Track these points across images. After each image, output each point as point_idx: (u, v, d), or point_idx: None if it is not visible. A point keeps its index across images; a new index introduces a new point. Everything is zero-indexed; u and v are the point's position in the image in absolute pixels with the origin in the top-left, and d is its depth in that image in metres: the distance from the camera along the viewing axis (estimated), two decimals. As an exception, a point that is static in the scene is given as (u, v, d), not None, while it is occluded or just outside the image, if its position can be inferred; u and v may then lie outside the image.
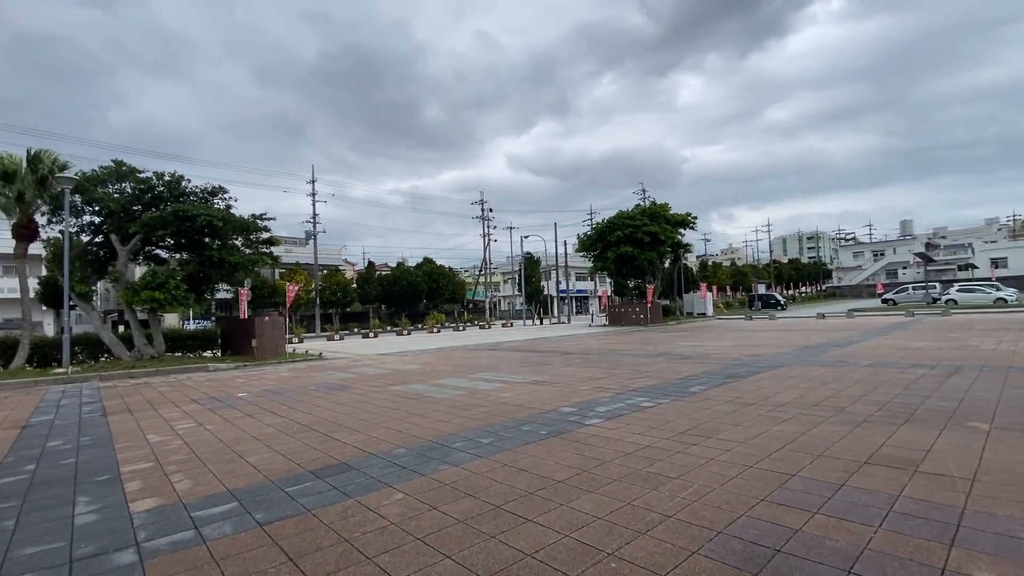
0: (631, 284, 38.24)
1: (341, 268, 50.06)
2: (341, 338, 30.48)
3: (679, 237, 33.98)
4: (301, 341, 28.39)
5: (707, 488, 3.62)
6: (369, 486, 3.93)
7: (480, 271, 54.91)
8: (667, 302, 39.52)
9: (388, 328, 41.69)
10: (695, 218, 34.72)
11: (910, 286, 44.97)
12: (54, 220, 15.58)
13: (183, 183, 15.98)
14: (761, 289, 63.37)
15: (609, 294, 40.23)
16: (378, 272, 48.34)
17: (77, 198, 15.26)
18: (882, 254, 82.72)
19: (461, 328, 36.53)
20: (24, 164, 14.10)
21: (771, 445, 4.60)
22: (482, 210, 51.19)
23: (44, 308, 31.08)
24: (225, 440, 5.66)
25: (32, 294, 21.17)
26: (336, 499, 3.69)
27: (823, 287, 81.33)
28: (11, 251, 14.93)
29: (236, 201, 17.03)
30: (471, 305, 57.15)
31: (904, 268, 73.73)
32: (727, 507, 3.27)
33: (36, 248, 19.85)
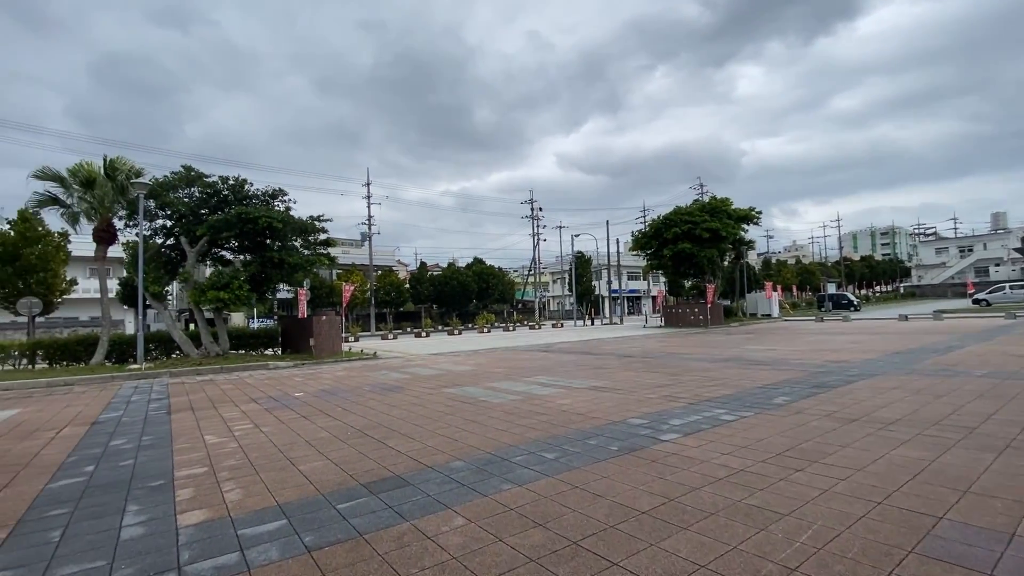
0: (688, 284, 36.66)
1: (394, 269, 51.15)
2: (394, 337, 30.94)
3: (741, 233, 32.08)
4: (357, 340, 29.03)
5: (831, 530, 2.95)
6: (426, 506, 3.53)
7: (529, 271, 54.51)
8: (728, 302, 37.54)
9: (439, 328, 42.10)
10: (759, 213, 32.69)
11: (1007, 285, 40.45)
12: (130, 224, 16.50)
13: (246, 186, 16.52)
14: (831, 288, 59.25)
15: (665, 294, 38.68)
16: (429, 272, 48.99)
17: (151, 203, 16.09)
18: (970, 250, 75.29)
19: (511, 328, 36.26)
20: (102, 172, 14.98)
21: (896, 475, 3.83)
22: (531, 209, 50.78)
23: (125, 308, 33.51)
24: (279, 444, 5.47)
25: (112, 294, 22.68)
26: (391, 521, 3.31)
27: (900, 286, 75.08)
28: (93, 254, 15.93)
29: (295, 203, 17.48)
30: (520, 305, 56.87)
31: (997, 265, 66.70)
32: (867, 560, 2.60)
33: (117, 251, 21.28)
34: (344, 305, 16.14)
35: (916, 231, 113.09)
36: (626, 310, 48.00)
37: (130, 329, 37.91)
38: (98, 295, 15.63)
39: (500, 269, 52.24)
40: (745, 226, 32.46)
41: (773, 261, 62.64)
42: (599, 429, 5.59)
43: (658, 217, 33.01)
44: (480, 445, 5.11)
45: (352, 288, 15.88)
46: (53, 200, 15.20)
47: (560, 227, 54.74)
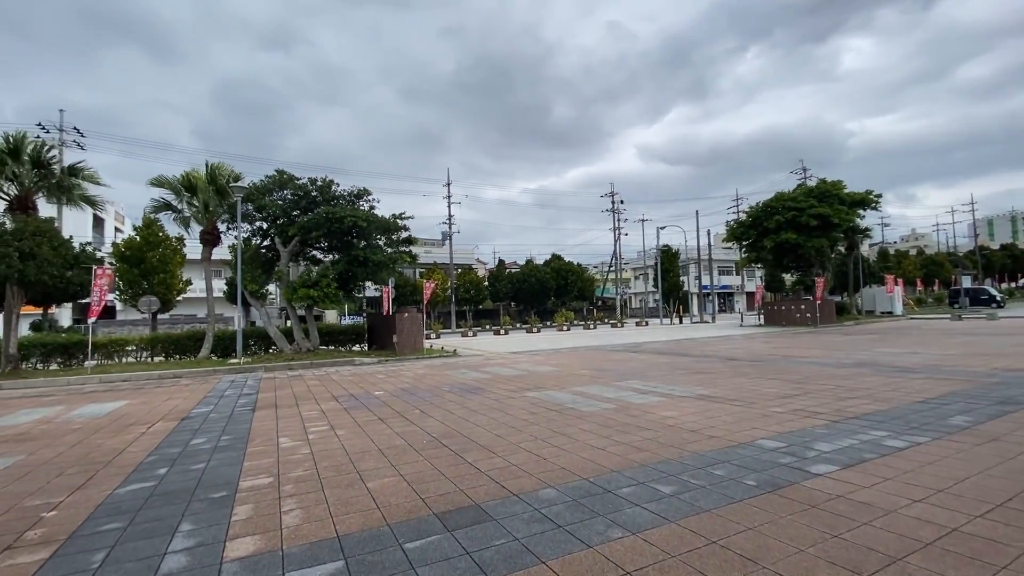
0: (792, 277, 33.05)
1: (473, 267, 51.68)
2: (474, 334, 30.92)
3: (856, 220, 28.27)
4: (438, 336, 29.35)
5: None
6: (513, 557, 2.74)
7: (610, 267, 52.60)
8: (838, 298, 33.44)
9: (518, 325, 41.75)
10: (878, 196, 28.66)
11: None
12: (232, 227, 17.54)
13: (333, 187, 16.93)
14: (966, 282, 51.23)
15: (764, 289, 35.30)
16: (507, 270, 48.87)
17: (249, 206, 16.98)
18: None
19: (591, 326, 34.96)
20: (204, 177, 15.99)
21: None
22: (612, 202, 48.87)
23: (233, 305, 36.61)
24: (351, 452, 4.99)
25: (219, 293, 24.51)
26: None
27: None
28: (200, 256, 17.13)
29: (378, 203, 17.66)
30: (600, 302, 55.12)
31: None
32: None
33: (224, 253, 23.00)
34: (425, 302, 15.92)
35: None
36: (717, 308, 44.61)
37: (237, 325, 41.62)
38: (208, 294, 16.78)
39: (579, 265, 50.85)
40: (861, 212, 28.59)
41: (891, 252, 55.33)
42: (722, 453, 4.50)
43: (757, 204, 30.04)
44: (574, 467, 4.24)
45: (433, 286, 15.67)
46: (167, 206, 16.51)
47: (643, 220, 52.08)
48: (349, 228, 15.87)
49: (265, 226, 17.31)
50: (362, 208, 16.85)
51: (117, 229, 43.20)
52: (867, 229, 31.82)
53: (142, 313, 20.34)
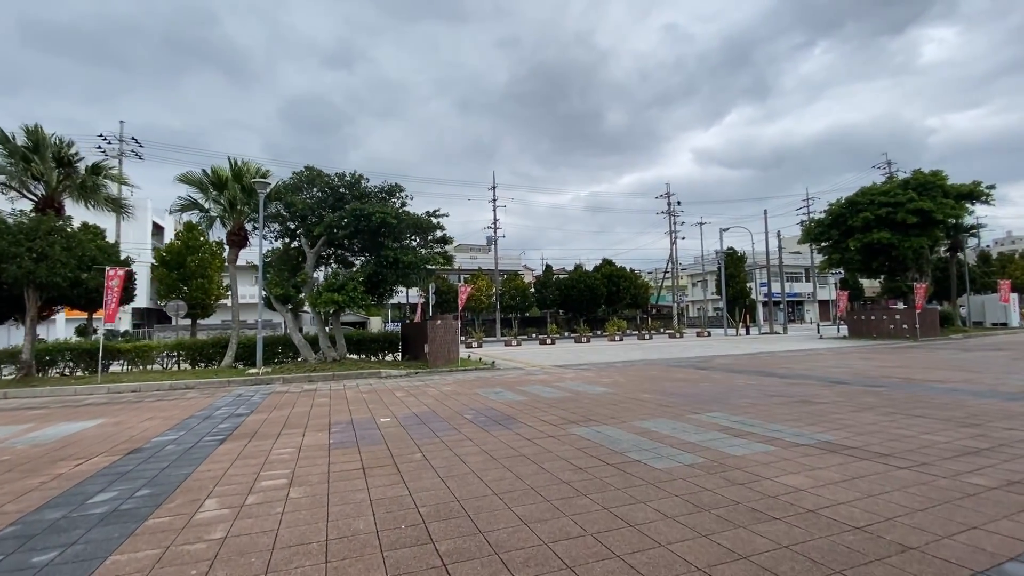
0: (873, 283, 28.88)
1: (520, 273, 49.85)
2: (518, 343, 28.98)
3: (965, 216, 24.12)
4: (480, 345, 27.65)
5: None
6: None
7: (665, 272, 49.27)
8: (937, 306, 28.93)
9: (566, 334, 39.45)
10: (991, 187, 24.39)
11: None
12: (256, 228, 16.58)
13: (362, 182, 15.59)
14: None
15: (848, 297, 31.24)
16: (555, 276, 46.67)
17: (278, 205, 15.96)
18: None
19: (646, 337, 32.16)
20: (229, 174, 15.05)
21: None
22: (668, 203, 45.70)
23: (274, 311, 36.49)
24: (281, 543, 3.14)
25: (253, 299, 23.83)
26: None
27: None
28: (226, 257, 16.24)
29: (411, 200, 16.16)
30: (654, 311, 51.79)
31: None
32: None
33: (254, 255, 22.31)
34: (461, 308, 14.17)
35: None
36: (787, 318, 40.35)
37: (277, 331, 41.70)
38: (252, 300, 15.87)
39: (631, 271, 47.88)
40: (970, 204, 24.42)
41: (994, 255, 48.63)
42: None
43: (839, 201, 26.45)
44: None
45: (469, 289, 13.94)
46: (193, 204, 15.73)
47: (701, 223, 48.44)
48: (378, 226, 14.43)
49: (293, 226, 16.22)
50: (393, 205, 15.38)
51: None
52: (974, 227, 27.32)
53: (180, 317, 19.88)
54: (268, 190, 14.74)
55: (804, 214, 46.84)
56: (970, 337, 23.08)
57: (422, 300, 17.42)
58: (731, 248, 36.86)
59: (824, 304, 57.56)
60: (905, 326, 23.51)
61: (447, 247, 16.35)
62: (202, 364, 15.30)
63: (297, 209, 15.24)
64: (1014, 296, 27.75)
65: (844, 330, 31.07)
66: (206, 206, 15.78)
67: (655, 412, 7.06)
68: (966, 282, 29.67)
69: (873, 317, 25.30)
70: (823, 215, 26.75)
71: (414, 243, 16.03)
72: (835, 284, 59.10)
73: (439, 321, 14.83)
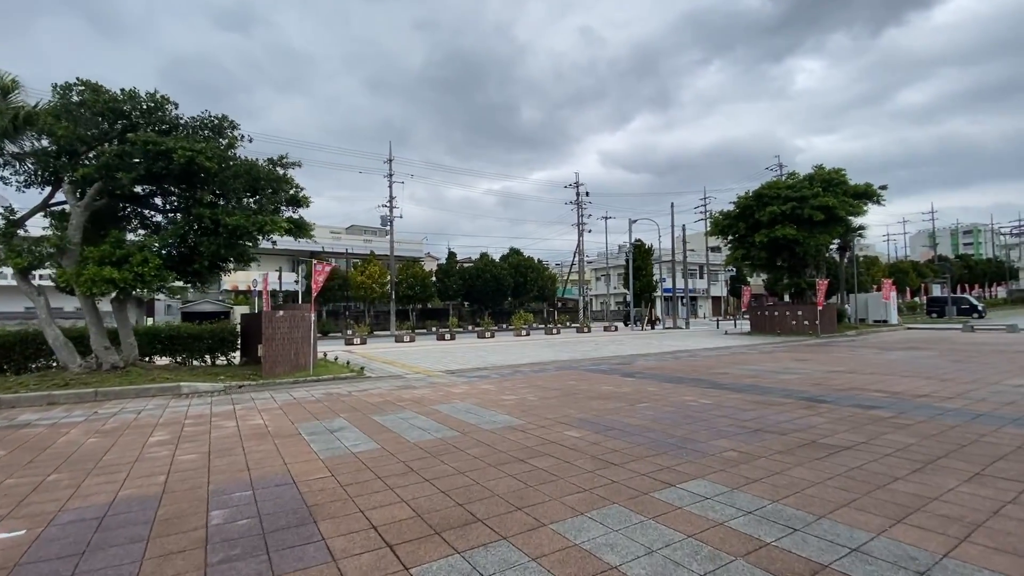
0: (760, 279, 29.23)
1: (421, 260, 45.41)
2: (412, 339, 25.01)
3: (863, 214, 24.45)
4: (363, 342, 23.25)
5: None
6: None
7: (572, 264, 47.82)
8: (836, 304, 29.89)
9: (469, 328, 36.10)
10: (884, 188, 25.02)
11: None
12: (9, 170, 11.02)
13: (167, 107, 10.73)
14: (936, 290, 50.01)
15: (754, 292, 31.29)
16: (459, 265, 43.05)
17: (32, 137, 10.60)
18: (1096, 249, 63.58)
19: (554, 331, 29.80)
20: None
21: None
22: (576, 193, 44.06)
23: (70, 296, 28.75)
24: None
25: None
26: None
27: (1009, 289, 64.18)
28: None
29: (250, 143, 11.59)
30: (560, 304, 50.31)
31: None
32: None
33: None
34: (315, 293, 10.07)
35: (1012, 229, 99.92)
36: (688, 313, 40.58)
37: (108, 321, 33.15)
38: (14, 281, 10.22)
39: (539, 262, 45.79)
40: (866, 204, 24.85)
41: (860, 259, 53.60)
42: None
43: (746, 193, 25.80)
44: None
45: (327, 270, 9.80)
46: None
47: (606, 217, 47.68)
48: (186, 171, 9.85)
49: (57, 166, 10.90)
50: (218, 146, 10.72)
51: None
52: (861, 227, 28.32)
53: None
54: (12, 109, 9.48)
55: (701, 212, 47.83)
56: (863, 334, 23.40)
57: (268, 285, 12.95)
58: (639, 240, 35.78)
59: (716, 300, 60.15)
60: (807, 322, 23.28)
61: (301, 210, 12.02)
62: None
63: (60, 141, 10.04)
64: (894, 295, 29.36)
65: (741, 325, 31.28)
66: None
67: (594, 485, 3.82)
68: (854, 280, 30.97)
69: (776, 313, 25.00)
70: (734, 206, 25.99)
71: (253, 204, 11.52)
72: (725, 281, 62.23)
73: (280, 312, 10.57)
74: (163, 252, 10.51)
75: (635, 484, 3.80)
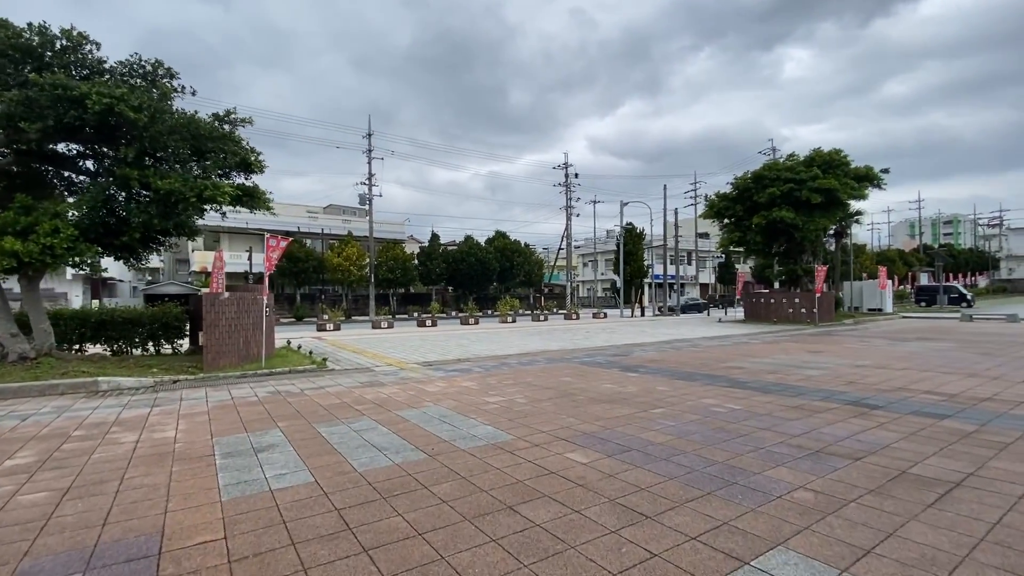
0: (750, 265, 28.37)
1: (403, 242, 43.59)
2: (390, 325, 23.50)
3: (865, 197, 23.44)
4: (337, 328, 21.69)
5: None
6: None
7: (560, 248, 46.48)
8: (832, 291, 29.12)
9: (452, 313, 34.64)
10: (885, 171, 24.03)
11: None
12: None
13: (87, 47, 8.94)
14: (924, 279, 49.90)
15: (747, 279, 30.38)
16: (443, 248, 41.36)
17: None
18: (1075, 240, 64.42)
19: (542, 318, 28.51)
20: None
21: None
22: (566, 175, 42.49)
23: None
24: None
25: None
26: None
27: (992, 279, 64.83)
28: None
29: (192, 95, 9.86)
30: (547, 290, 49.09)
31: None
32: None
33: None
34: (268, 271, 8.47)
35: (989, 220, 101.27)
36: (679, 300, 39.65)
37: (76, 303, 31.01)
38: None
39: (526, 245, 44.34)
40: (867, 189, 23.84)
41: (849, 246, 53.26)
42: None
43: (745, 174, 24.59)
44: None
45: (282, 245, 8.19)
46: None
47: (595, 202, 46.38)
48: (104, 122, 8.14)
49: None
50: (150, 96, 8.98)
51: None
52: (858, 213, 27.41)
53: None
54: None
55: (690, 198, 46.70)
56: (861, 323, 22.57)
57: (222, 261, 11.35)
58: (630, 223, 34.50)
59: (704, 287, 59.54)
60: (804, 310, 22.37)
61: (254, 176, 10.34)
62: None
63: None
64: (890, 283, 28.68)
65: (734, 313, 30.44)
66: None
67: (624, 566, 2.46)
68: (850, 268, 30.20)
69: (772, 301, 24.04)
70: (731, 187, 24.79)
71: (198, 169, 9.80)
72: (713, 268, 61.61)
73: (226, 295, 9.00)
74: (85, 222, 8.81)
75: (687, 562, 2.46)
